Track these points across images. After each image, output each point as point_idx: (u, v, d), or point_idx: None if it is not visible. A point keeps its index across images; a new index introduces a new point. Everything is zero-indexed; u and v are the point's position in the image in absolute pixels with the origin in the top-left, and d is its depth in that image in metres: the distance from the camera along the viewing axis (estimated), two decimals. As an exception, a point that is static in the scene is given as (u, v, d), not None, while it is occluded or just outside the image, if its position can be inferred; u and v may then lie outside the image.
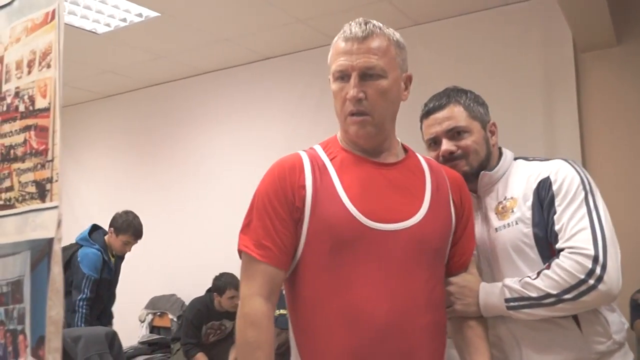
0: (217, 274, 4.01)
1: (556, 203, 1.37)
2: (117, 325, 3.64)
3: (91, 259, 3.51)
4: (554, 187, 1.39)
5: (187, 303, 4.44)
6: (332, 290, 1.20)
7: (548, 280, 1.31)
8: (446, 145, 1.48)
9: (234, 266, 4.48)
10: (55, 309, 1.08)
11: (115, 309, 3.82)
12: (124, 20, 3.77)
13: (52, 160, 1.23)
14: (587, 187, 1.40)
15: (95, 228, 3.72)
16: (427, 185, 1.29)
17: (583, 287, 1.28)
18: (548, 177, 1.41)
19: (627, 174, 3.44)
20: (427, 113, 1.53)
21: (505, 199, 1.47)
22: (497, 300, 1.36)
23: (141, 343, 4.49)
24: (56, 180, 1.21)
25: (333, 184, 1.23)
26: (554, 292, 1.30)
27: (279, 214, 1.22)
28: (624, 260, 1.34)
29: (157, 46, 4.24)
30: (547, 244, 1.39)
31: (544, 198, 1.40)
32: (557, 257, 1.32)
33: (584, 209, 1.35)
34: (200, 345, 3.99)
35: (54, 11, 1.37)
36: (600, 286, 1.27)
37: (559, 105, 3.55)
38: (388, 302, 1.19)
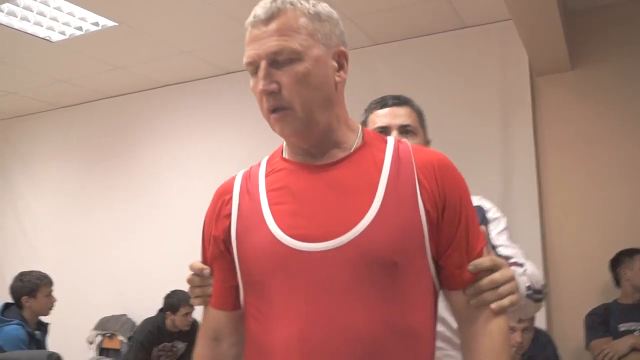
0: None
1: (490, 227, 1.52)
2: (64, 347, 3.45)
3: (13, 336, 2.99)
4: (488, 215, 1.54)
5: (137, 324, 4.28)
6: (259, 326, 1.05)
7: (536, 276, 1.38)
8: (397, 138, 1.52)
9: (187, 285, 4.36)
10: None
11: (63, 330, 3.62)
12: (80, 28, 3.67)
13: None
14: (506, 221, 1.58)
15: (6, 307, 3.18)
16: (382, 180, 1.02)
17: (544, 291, 1.41)
18: (480, 206, 1.54)
19: (580, 196, 3.51)
20: (384, 105, 1.58)
21: None
22: (522, 288, 1.30)
23: (88, 366, 4.30)
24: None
25: (260, 206, 1.06)
26: (539, 287, 1.37)
27: (210, 251, 1.13)
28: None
29: (114, 57, 4.14)
30: None
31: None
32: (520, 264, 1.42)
33: (509, 238, 1.54)
34: (150, 367, 3.85)
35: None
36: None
37: (515, 127, 3.60)
38: (318, 338, 0.98)
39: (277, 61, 1.01)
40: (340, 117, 1.09)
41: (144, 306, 4.18)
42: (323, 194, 1.03)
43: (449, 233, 1.03)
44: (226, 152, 4.42)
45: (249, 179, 1.12)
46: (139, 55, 4.12)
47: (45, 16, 3.53)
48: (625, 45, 3.49)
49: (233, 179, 1.15)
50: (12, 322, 3.08)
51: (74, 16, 3.53)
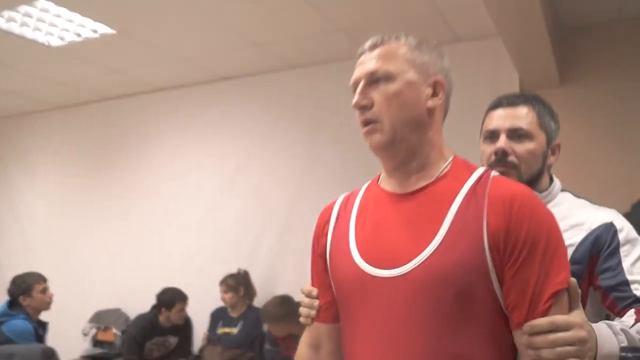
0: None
1: (622, 253, 1.31)
2: (60, 337, 3.58)
3: (21, 328, 3.14)
4: (620, 236, 1.34)
5: (131, 318, 4.42)
6: (344, 344, 1.17)
7: None
8: (503, 143, 1.40)
9: (181, 282, 4.49)
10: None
11: (59, 321, 3.75)
12: (78, 35, 3.74)
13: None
14: None
15: (11, 304, 3.31)
16: (449, 214, 1.05)
17: None
18: (612, 223, 1.36)
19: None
20: (496, 105, 1.46)
21: None
22: (612, 348, 1.09)
23: (84, 357, 4.45)
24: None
25: (348, 229, 1.17)
26: None
27: (315, 265, 1.26)
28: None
29: (111, 61, 4.22)
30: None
31: (604, 242, 1.34)
32: None
33: None
34: (143, 361, 3.99)
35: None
36: None
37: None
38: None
39: (372, 81, 1.13)
40: (433, 141, 1.15)
41: (137, 301, 4.31)
42: (398, 224, 1.10)
43: (510, 271, 1.01)
44: (220, 157, 4.50)
45: (347, 202, 1.23)
46: (136, 60, 4.18)
47: (44, 22, 3.60)
48: (616, 64, 3.51)
49: (335, 201, 1.27)
50: (19, 317, 3.23)
51: (72, 22, 3.60)
